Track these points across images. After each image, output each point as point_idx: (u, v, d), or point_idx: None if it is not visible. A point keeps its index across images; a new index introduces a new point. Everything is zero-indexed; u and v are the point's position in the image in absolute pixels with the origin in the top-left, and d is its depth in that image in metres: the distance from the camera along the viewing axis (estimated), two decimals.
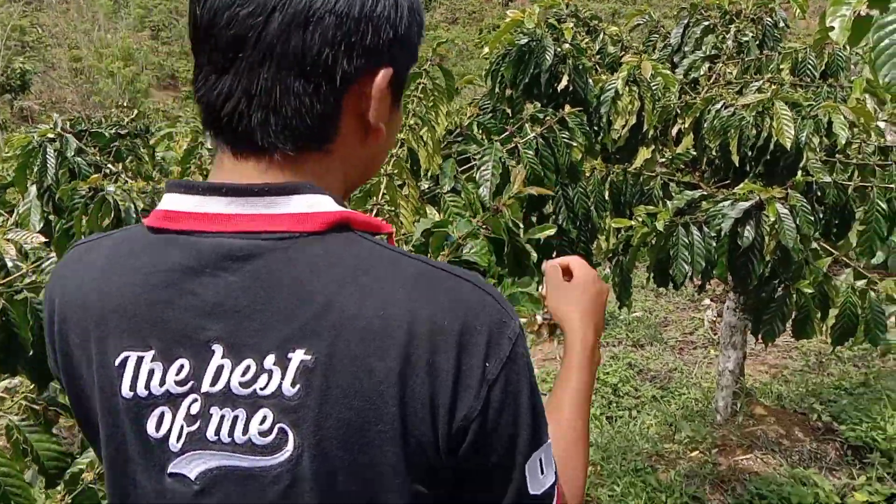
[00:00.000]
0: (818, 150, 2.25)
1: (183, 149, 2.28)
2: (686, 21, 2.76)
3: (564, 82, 2.23)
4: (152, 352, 0.64)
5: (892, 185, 2.15)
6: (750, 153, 2.14)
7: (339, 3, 0.62)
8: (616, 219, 2.17)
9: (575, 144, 2.02)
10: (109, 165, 1.99)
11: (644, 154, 2.45)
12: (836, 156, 2.27)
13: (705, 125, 2.21)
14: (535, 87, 2.26)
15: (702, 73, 2.65)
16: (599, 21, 2.73)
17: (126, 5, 30.81)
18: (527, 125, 2.05)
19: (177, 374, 0.63)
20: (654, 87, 2.28)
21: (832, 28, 1.27)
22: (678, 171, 2.42)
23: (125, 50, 22.27)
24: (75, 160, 1.95)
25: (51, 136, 1.96)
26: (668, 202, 2.25)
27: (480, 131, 2.19)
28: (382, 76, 0.66)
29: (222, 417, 0.63)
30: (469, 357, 0.61)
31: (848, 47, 2.59)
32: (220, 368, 0.63)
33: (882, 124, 2.86)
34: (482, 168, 1.98)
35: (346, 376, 0.60)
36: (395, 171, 1.80)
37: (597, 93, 2.26)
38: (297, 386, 0.60)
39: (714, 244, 1.99)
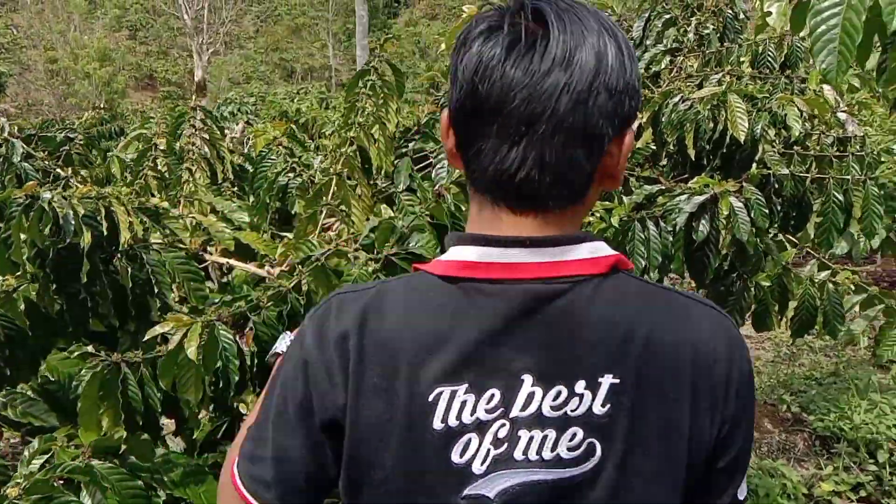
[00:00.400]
0: (777, 142, 2.25)
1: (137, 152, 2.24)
2: (648, 14, 2.76)
3: None
4: (465, 385, 0.72)
5: (847, 177, 2.16)
6: (707, 147, 2.14)
7: (610, 79, 0.71)
8: None
9: None
10: (58, 170, 1.96)
11: None
12: (794, 148, 2.27)
13: (663, 119, 2.20)
14: None
15: (663, 66, 2.65)
16: None
17: (102, 5, 30.50)
18: None
19: (487, 404, 0.72)
20: None
21: (769, 13, 1.27)
22: (638, 165, 2.41)
23: (101, 50, 22.06)
24: (22, 165, 1.92)
25: None
26: (630, 197, 2.25)
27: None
28: (629, 135, 0.76)
29: (531, 438, 0.73)
30: (732, 373, 0.76)
31: (807, 37, 2.60)
32: (530, 395, 0.72)
33: (843, 115, 2.88)
34: (438, 167, 1.97)
35: (650, 395, 0.73)
36: (346, 170, 1.78)
37: None
38: (608, 405, 0.72)
39: (671, 239, 1.99)
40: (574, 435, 0.72)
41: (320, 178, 1.87)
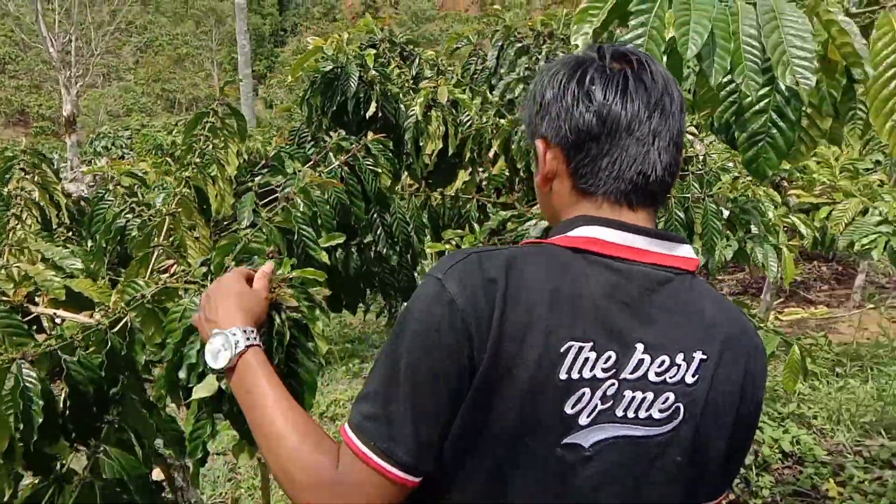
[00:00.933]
0: None
1: None
2: (501, 43, 2.81)
3: (373, 109, 2.21)
4: (591, 343, 0.83)
5: (688, 195, 2.26)
6: None
7: (680, 98, 0.93)
8: (430, 243, 2.15)
9: (380, 171, 1.99)
10: None
11: (463, 177, 2.46)
12: None
13: (513, 147, 2.24)
14: (344, 115, 2.23)
15: (517, 94, 2.70)
16: (416, 46, 2.74)
17: None
18: (331, 154, 2.00)
19: (605, 363, 0.84)
20: (464, 112, 2.30)
21: (576, 46, 1.30)
22: (496, 192, 2.44)
23: None
24: None
25: None
26: (485, 224, 2.27)
27: (291, 161, 2.12)
28: None
29: (633, 398, 0.85)
30: (762, 364, 0.96)
31: None
32: (640, 362, 0.85)
33: (690, 136, 3.02)
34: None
35: (724, 373, 0.90)
36: (180, 211, 1.71)
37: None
38: (696, 377, 0.88)
39: None
40: (667, 399, 0.87)
41: (155, 219, 1.78)
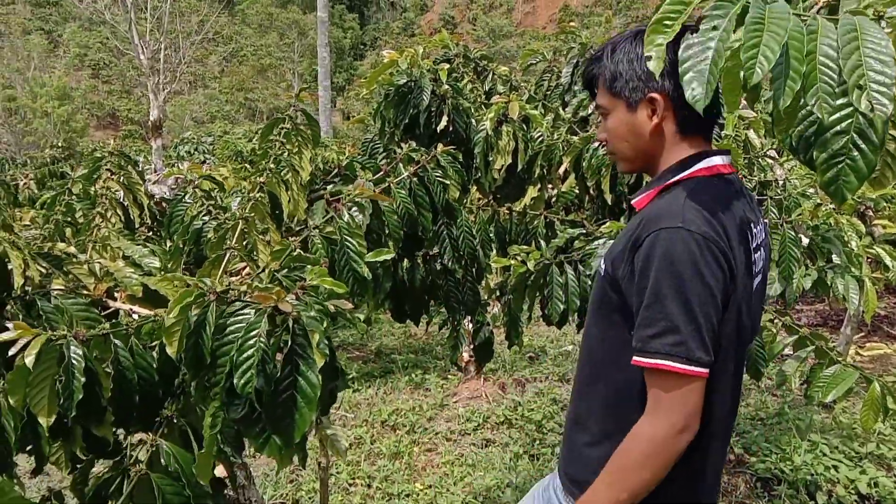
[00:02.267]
0: None
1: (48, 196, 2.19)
2: (576, 60, 2.79)
3: (444, 122, 2.22)
4: (749, 227, 1.26)
5: (766, 221, 2.18)
6: (625, 191, 2.15)
7: None
8: (496, 258, 2.15)
9: (449, 183, 2.00)
10: None
11: (532, 193, 2.45)
12: None
13: (584, 164, 2.21)
14: (416, 127, 2.25)
15: (590, 111, 2.67)
16: (490, 61, 2.74)
17: (64, 44, 30.31)
18: (401, 164, 2.02)
19: (752, 239, 1.27)
20: (535, 128, 2.30)
21: (649, 58, 1.26)
22: (564, 209, 2.42)
23: (60, 89, 21.83)
24: None
25: None
26: (552, 241, 2.25)
27: (363, 171, 2.16)
28: None
29: (757, 257, 1.30)
30: None
31: None
32: (755, 234, 1.29)
33: (771, 160, 2.92)
34: (353, 209, 1.94)
35: (765, 233, 1.38)
36: (253, 215, 1.75)
37: None
38: (765, 233, 1.37)
39: (590, 282, 1.99)
40: (760, 251, 1.32)
41: (229, 222, 1.83)
